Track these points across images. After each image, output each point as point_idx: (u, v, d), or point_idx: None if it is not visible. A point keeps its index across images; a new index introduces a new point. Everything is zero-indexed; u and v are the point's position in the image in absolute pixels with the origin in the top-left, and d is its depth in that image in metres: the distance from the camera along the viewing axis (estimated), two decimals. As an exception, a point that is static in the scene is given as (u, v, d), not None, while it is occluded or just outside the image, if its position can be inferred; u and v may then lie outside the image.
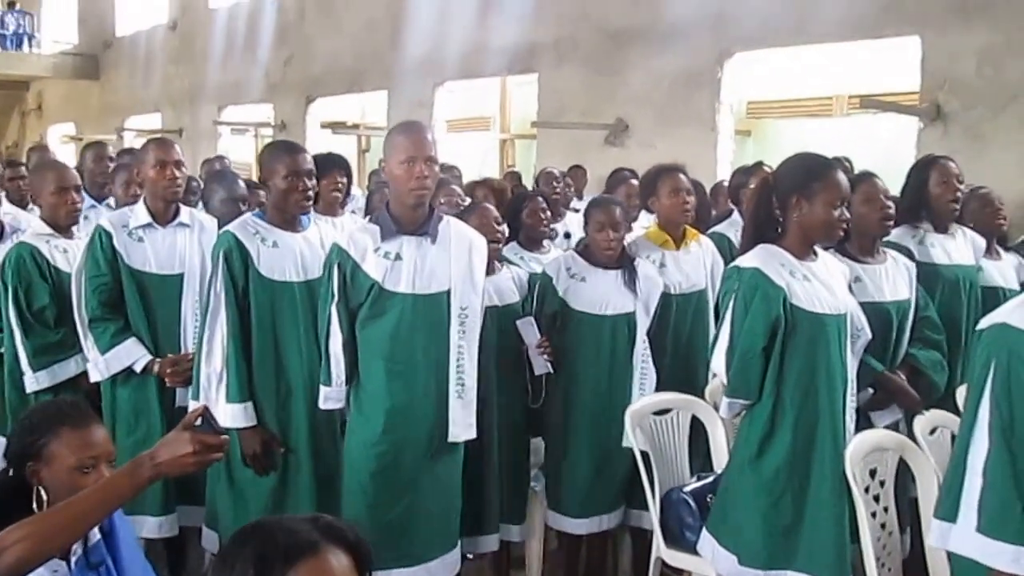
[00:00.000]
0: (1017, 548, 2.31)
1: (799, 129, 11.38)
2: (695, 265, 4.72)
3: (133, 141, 18.11)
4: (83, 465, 2.35)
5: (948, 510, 2.47)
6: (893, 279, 4.09)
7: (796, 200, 3.43)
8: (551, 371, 4.35)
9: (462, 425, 3.74)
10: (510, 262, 4.63)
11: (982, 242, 4.77)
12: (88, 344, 4.20)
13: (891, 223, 4.16)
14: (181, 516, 4.30)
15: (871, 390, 3.94)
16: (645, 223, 5.68)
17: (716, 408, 4.01)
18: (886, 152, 9.15)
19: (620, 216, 4.42)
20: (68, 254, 4.42)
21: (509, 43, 12.07)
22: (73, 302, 4.23)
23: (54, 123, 24.80)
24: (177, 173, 4.28)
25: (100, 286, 4.17)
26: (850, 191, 3.53)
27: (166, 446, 2.17)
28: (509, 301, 4.35)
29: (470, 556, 4.34)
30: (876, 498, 3.63)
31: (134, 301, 4.22)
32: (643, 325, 4.37)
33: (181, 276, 4.27)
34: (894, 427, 3.96)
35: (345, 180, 5.36)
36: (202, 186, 6.01)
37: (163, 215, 4.31)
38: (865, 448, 3.53)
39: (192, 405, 3.89)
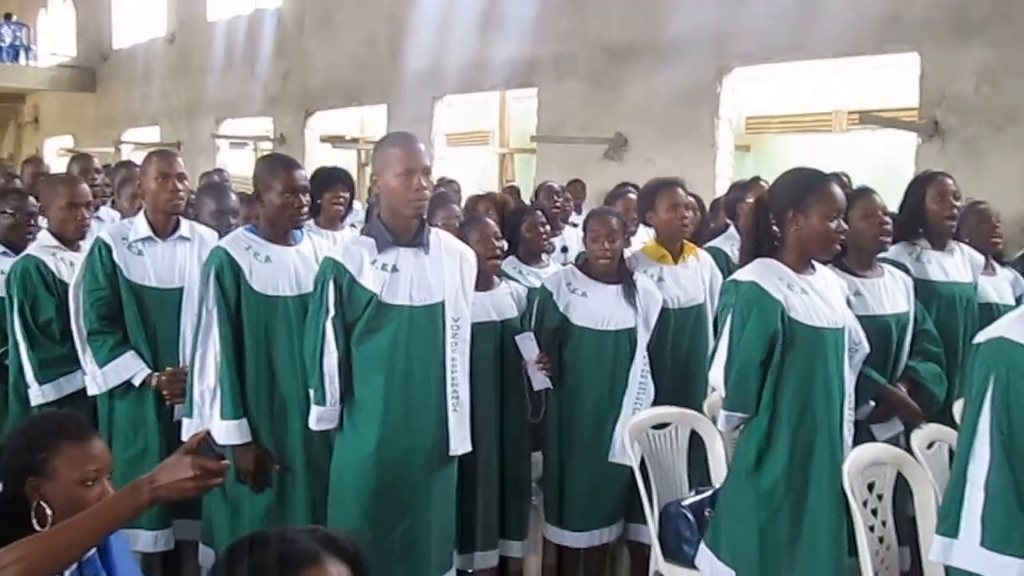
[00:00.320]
0: (1021, 561, 2.31)
1: (798, 144, 11.39)
2: (693, 279, 4.72)
3: (131, 154, 18.10)
4: (86, 478, 2.31)
5: (950, 526, 2.47)
6: (892, 293, 4.11)
7: (792, 215, 3.44)
8: (550, 386, 4.35)
9: (458, 438, 3.71)
10: (509, 277, 4.62)
11: (980, 259, 4.77)
12: (86, 357, 4.18)
13: (889, 238, 4.18)
14: (178, 530, 4.26)
15: (872, 403, 3.95)
16: (644, 237, 5.68)
17: (714, 422, 4.01)
18: (884, 168, 9.17)
19: (617, 226, 4.43)
20: (74, 267, 4.38)
21: (509, 58, 12.10)
22: (71, 315, 4.22)
23: (51, 136, 24.77)
24: (179, 186, 4.27)
25: (99, 299, 4.16)
26: (845, 203, 3.53)
27: (166, 470, 2.14)
28: (508, 316, 4.34)
29: (470, 572, 4.31)
30: (874, 512, 3.62)
31: (133, 315, 4.19)
32: (643, 340, 4.37)
33: (181, 290, 4.24)
34: (895, 440, 3.97)
35: (348, 195, 5.38)
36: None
37: (163, 228, 4.30)
38: (863, 462, 3.53)
39: (185, 422, 3.86)
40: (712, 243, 5.58)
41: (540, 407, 4.41)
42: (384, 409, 3.59)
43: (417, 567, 3.67)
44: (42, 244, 4.53)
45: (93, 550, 2.32)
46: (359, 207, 8.06)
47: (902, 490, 3.71)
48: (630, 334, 4.36)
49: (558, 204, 7.50)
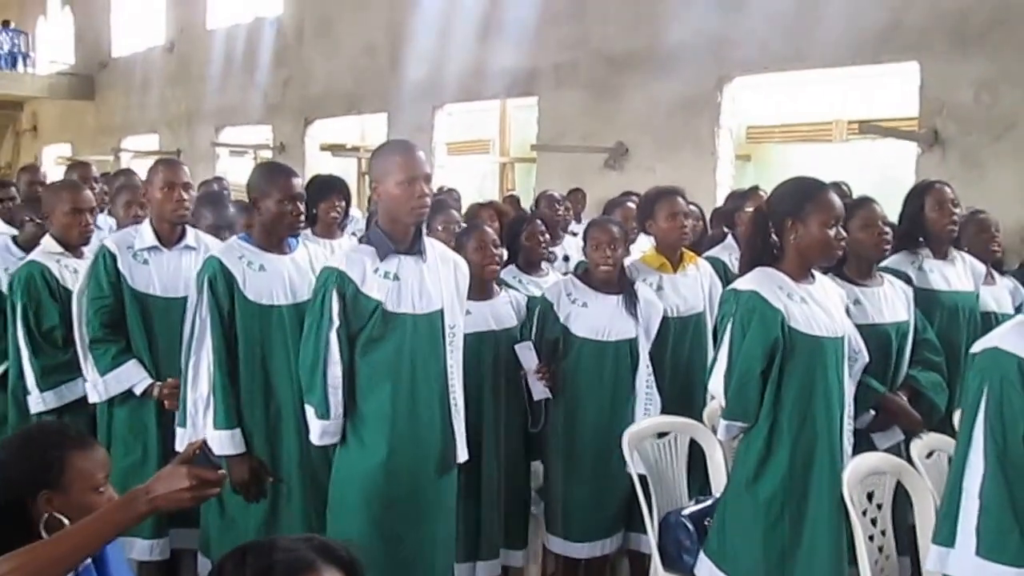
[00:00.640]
0: (1016, 571, 2.31)
1: (799, 154, 11.41)
2: (693, 288, 4.73)
3: (130, 162, 18.11)
4: (98, 486, 2.30)
5: (946, 535, 2.48)
6: (892, 302, 4.11)
7: (791, 223, 3.44)
8: (550, 396, 4.34)
9: (461, 445, 3.70)
10: (508, 286, 4.62)
11: (982, 268, 4.78)
12: (88, 365, 4.17)
13: (888, 248, 4.18)
14: (175, 539, 4.23)
15: (872, 412, 3.95)
16: (644, 246, 5.68)
17: (714, 431, 4.01)
18: (885, 177, 9.17)
19: (618, 234, 4.42)
20: (78, 274, 4.37)
21: (509, 66, 12.11)
22: (74, 322, 4.21)
23: (49, 144, 24.68)
24: (185, 195, 4.25)
25: (102, 307, 4.14)
26: (843, 211, 3.54)
27: (162, 480, 2.13)
28: (507, 325, 4.34)
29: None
30: (874, 521, 3.62)
31: (136, 323, 4.18)
32: (645, 350, 4.36)
33: (185, 299, 4.17)
34: (895, 449, 3.97)
35: (344, 203, 5.38)
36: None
37: (169, 237, 4.28)
38: (862, 471, 3.53)
39: (179, 432, 3.83)
40: (709, 252, 5.56)
41: (540, 417, 4.40)
42: (391, 419, 3.55)
43: None
44: (46, 250, 4.52)
45: (88, 560, 2.31)
46: (359, 215, 8.07)
47: (902, 500, 3.71)
48: (631, 344, 4.35)
49: (559, 213, 7.50)
